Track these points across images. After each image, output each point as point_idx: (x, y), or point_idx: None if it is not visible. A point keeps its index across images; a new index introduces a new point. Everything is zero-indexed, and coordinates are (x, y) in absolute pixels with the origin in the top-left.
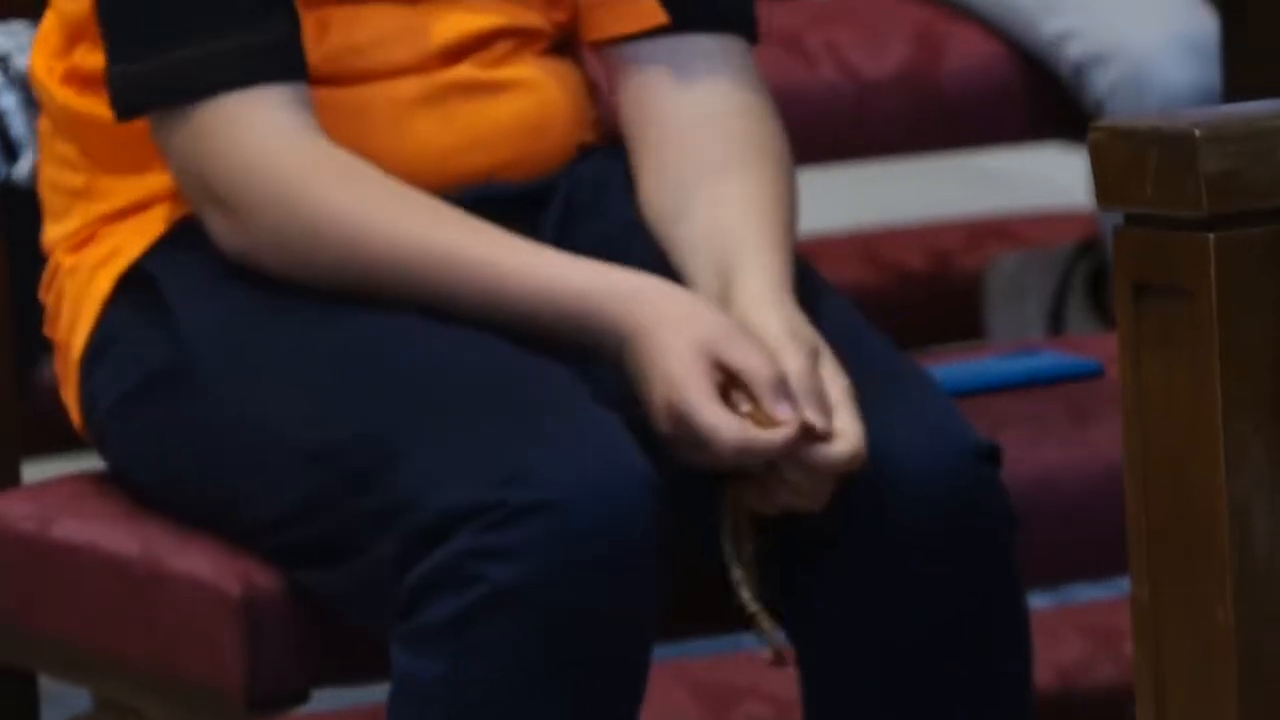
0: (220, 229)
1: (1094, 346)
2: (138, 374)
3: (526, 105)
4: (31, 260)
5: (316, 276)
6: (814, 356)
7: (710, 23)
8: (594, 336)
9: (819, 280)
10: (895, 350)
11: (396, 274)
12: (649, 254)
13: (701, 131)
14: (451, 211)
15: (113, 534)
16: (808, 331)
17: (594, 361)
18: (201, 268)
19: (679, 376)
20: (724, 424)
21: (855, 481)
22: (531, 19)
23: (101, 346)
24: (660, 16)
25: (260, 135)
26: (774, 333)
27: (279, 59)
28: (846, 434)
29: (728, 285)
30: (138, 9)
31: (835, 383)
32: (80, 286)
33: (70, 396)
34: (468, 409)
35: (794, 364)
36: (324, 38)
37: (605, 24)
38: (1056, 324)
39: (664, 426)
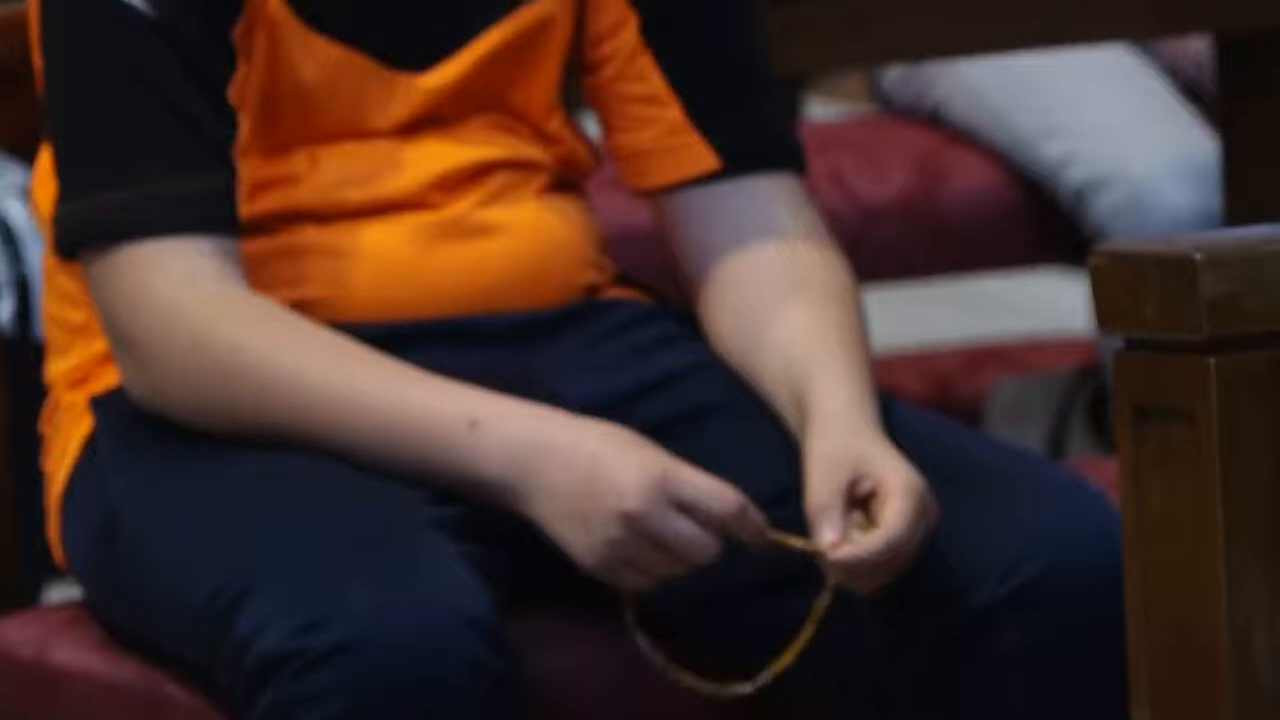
0: (130, 374)
1: (1095, 471)
2: (88, 519)
3: (522, 247)
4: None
5: (224, 419)
6: (849, 477)
7: (761, 163)
8: (498, 466)
9: (902, 404)
10: (1018, 452)
11: (299, 413)
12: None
13: (766, 269)
14: (357, 349)
15: (110, 660)
16: (866, 454)
17: (490, 500)
18: (141, 417)
19: (640, 472)
20: (719, 484)
21: (1008, 578)
22: (530, 153)
23: (73, 485)
24: (712, 161)
25: (174, 282)
26: (812, 457)
27: (206, 209)
28: (859, 542)
29: (802, 415)
30: (83, 150)
31: (889, 505)
32: (72, 423)
33: (52, 530)
34: (307, 550)
35: (814, 487)
36: (315, 171)
37: (654, 171)
38: (1058, 449)
39: (601, 550)
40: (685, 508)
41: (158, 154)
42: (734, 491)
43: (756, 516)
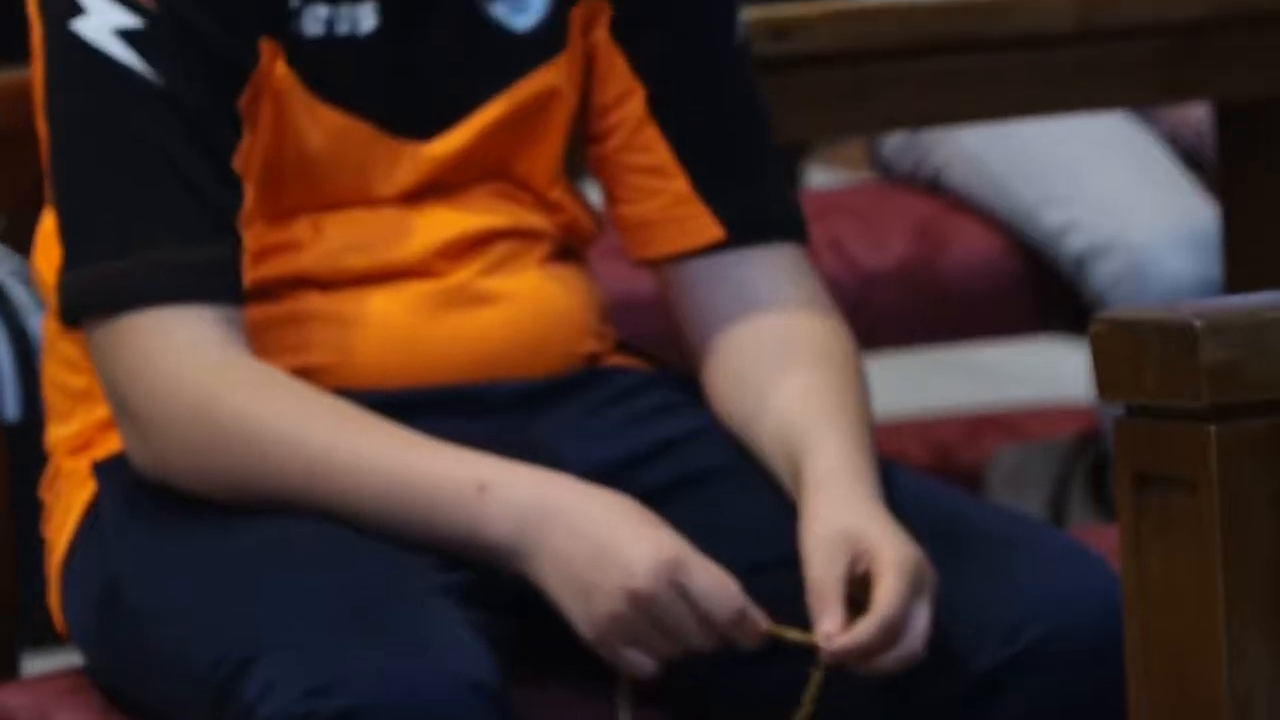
0: (132, 442)
1: (1096, 538)
2: (89, 585)
3: (524, 316)
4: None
5: (228, 487)
6: (848, 559)
7: (765, 234)
8: (505, 529)
9: (903, 470)
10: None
11: (303, 479)
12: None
13: (768, 337)
14: (361, 415)
15: None
16: (860, 530)
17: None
18: (144, 482)
19: (652, 552)
20: (725, 581)
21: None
22: (533, 221)
23: (74, 551)
24: (716, 232)
25: (177, 350)
26: (810, 540)
27: (210, 278)
28: (852, 631)
29: (797, 478)
30: (86, 217)
31: (882, 584)
32: (73, 490)
33: (53, 598)
34: (313, 615)
35: (813, 576)
36: (319, 239)
37: (659, 242)
38: (1058, 516)
39: (603, 623)
40: (690, 598)
41: (162, 222)
42: (737, 590)
43: (756, 618)
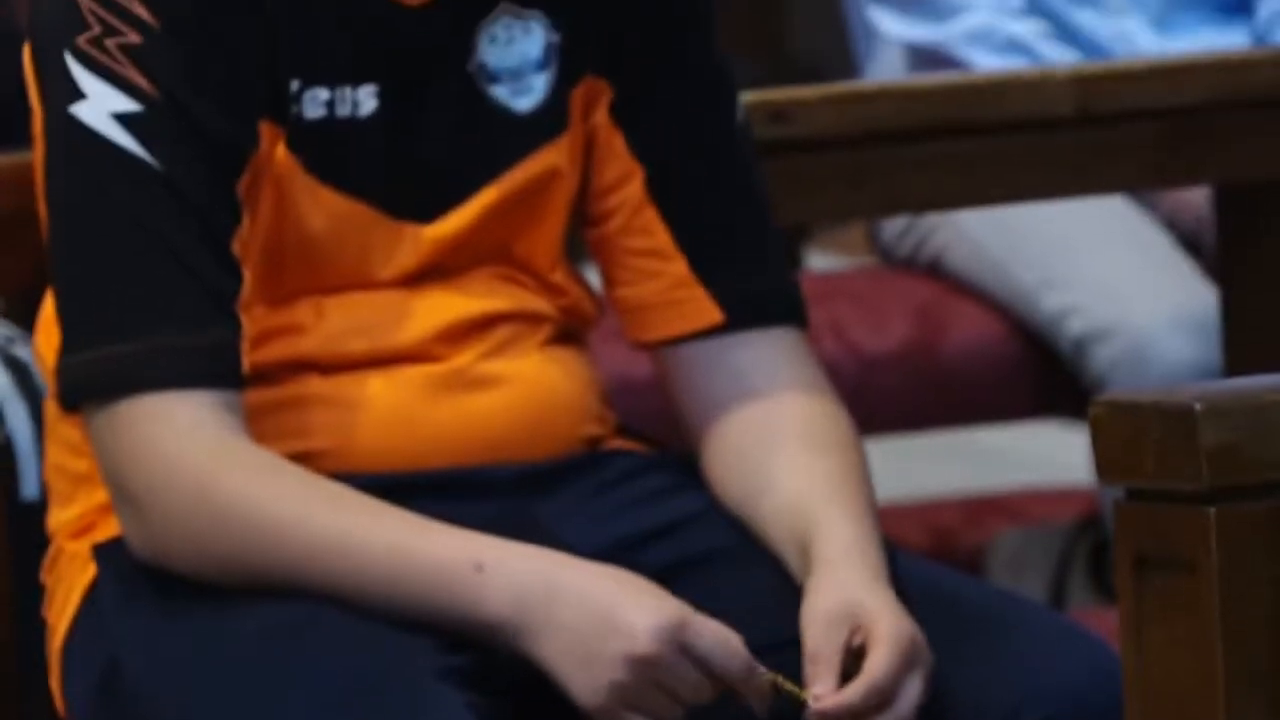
0: (130, 528)
1: (1096, 621)
2: (90, 668)
3: (525, 400)
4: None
5: (226, 571)
6: (847, 631)
7: (764, 317)
8: (504, 607)
9: (904, 553)
10: (1014, 598)
11: (302, 561)
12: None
13: (768, 421)
14: (360, 497)
15: None
16: (861, 605)
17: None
18: (145, 565)
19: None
20: (730, 638)
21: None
22: (535, 304)
23: (75, 634)
24: (715, 316)
25: (176, 436)
26: (811, 612)
27: (209, 364)
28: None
29: (804, 556)
30: (86, 302)
31: (874, 652)
32: (74, 574)
33: (54, 680)
34: (313, 700)
35: (811, 643)
36: (320, 323)
37: (657, 325)
38: (1059, 600)
39: (605, 691)
40: (695, 658)
41: (161, 307)
42: (741, 645)
43: (762, 674)
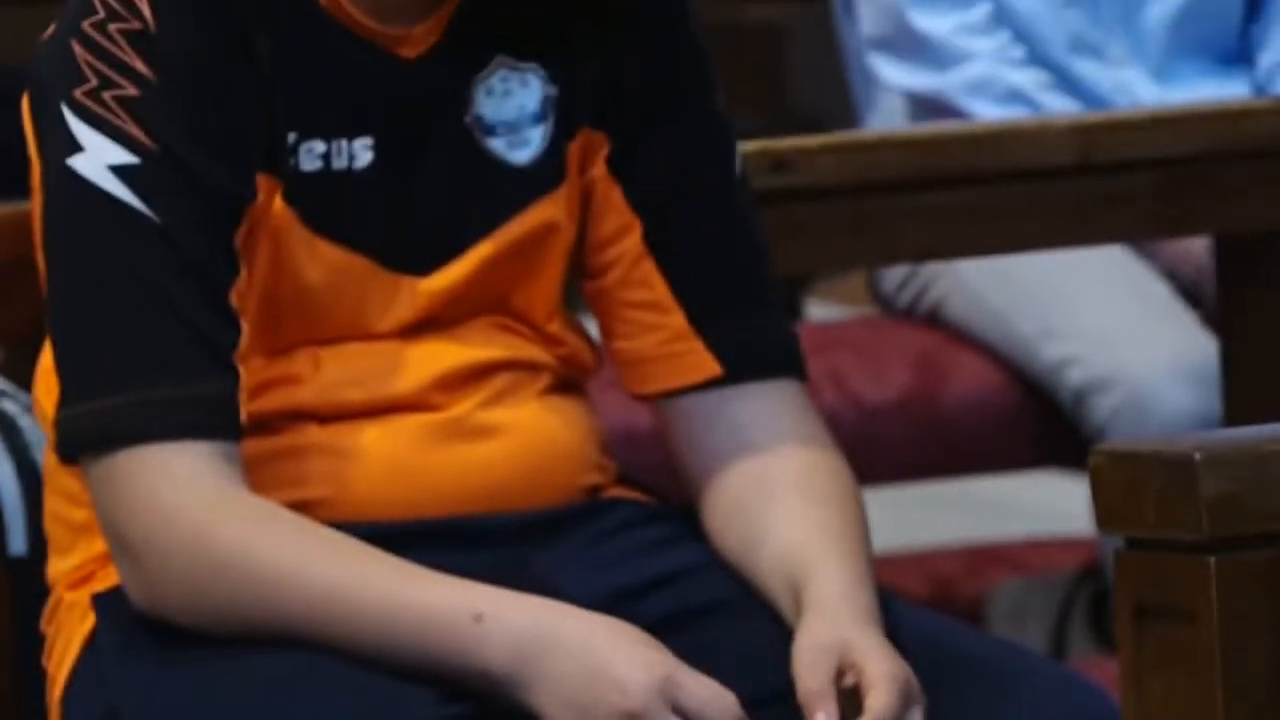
0: (129, 579)
1: (1097, 671)
2: (89, 718)
3: (524, 448)
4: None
5: (225, 621)
6: (834, 665)
7: (763, 370)
8: (502, 657)
9: (902, 602)
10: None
11: (301, 610)
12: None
13: (767, 472)
14: (358, 546)
15: None
16: (850, 643)
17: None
18: (144, 615)
19: (644, 670)
20: (721, 692)
21: None
22: (533, 353)
23: (73, 685)
24: (714, 368)
25: (174, 488)
26: (799, 647)
27: (207, 415)
28: None
29: (798, 601)
30: (84, 354)
31: (873, 692)
32: (74, 623)
33: None
34: None
35: (803, 676)
36: (317, 373)
37: (656, 378)
38: (1059, 650)
39: None
40: (687, 714)
41: (159, 359)
42: (733, 700)
43: None
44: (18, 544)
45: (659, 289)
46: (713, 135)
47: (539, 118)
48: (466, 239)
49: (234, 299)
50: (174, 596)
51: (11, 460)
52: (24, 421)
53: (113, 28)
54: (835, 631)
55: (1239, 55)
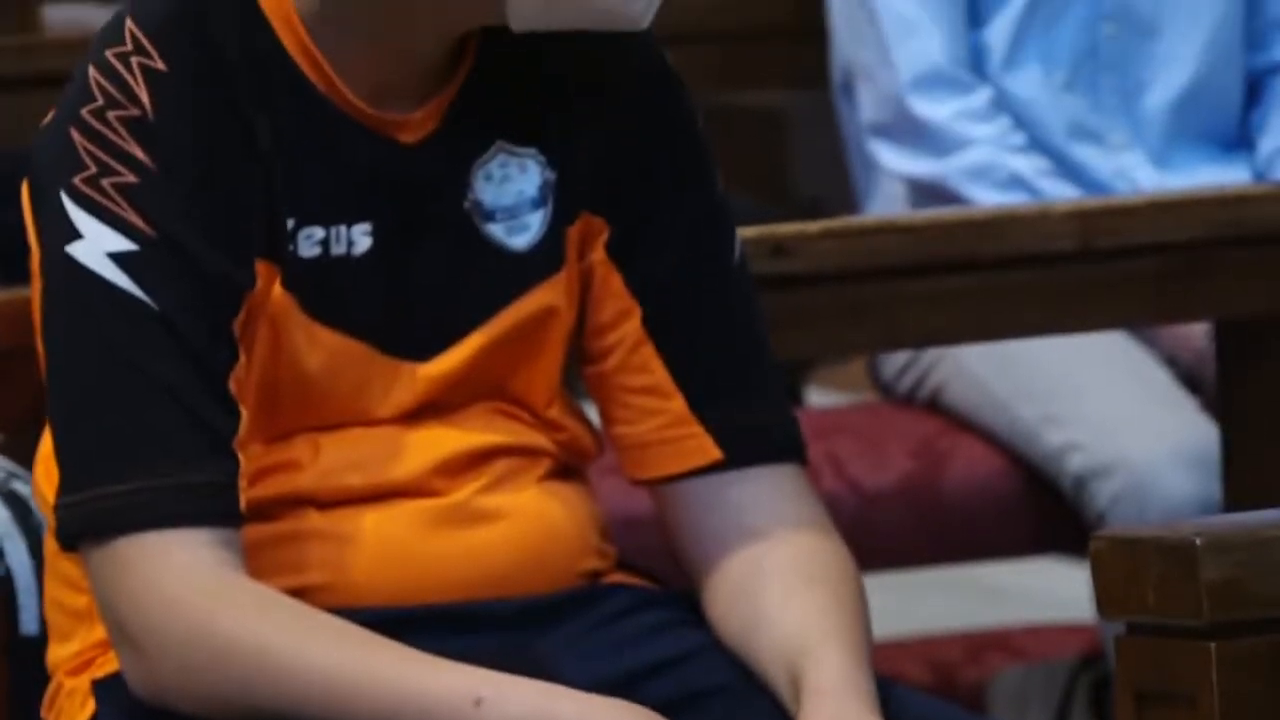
0: (130, 666)
1: None
2: None
3: (524, 534)
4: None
5: (224, 707)
6: None
7: (764, 455)
8: None
9: (903, 689)
10: None
11: (302, 697)
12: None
13: (767, 557)
14: (359, 632)
15: None
16: None
17: None
18: (143, 704)
19: None
20: None
21: None
22: (532, 439)
23: None
24: (714, 453)
25: (174, 575)
26: None
27: (207, 502)
28: None
29: (798, 687)
30: (83, 441)
31: None
32: (74, 709)
33: None
34: None
35: None
36: (317, 459)
37: (656, 463)
38: None
39: None
40: None
41: (158, 446)
42: None
43: None
44: (30, 623)
45: (659, 374)
46: (712, 220)
47: (538, 203)
48: (465, 324)
49: (233, 385)
50: (174, 684)
51: (25, 540)
52: (36, 503)
53: (112, 115)
54: (835, 718)
55: (1239, 141)
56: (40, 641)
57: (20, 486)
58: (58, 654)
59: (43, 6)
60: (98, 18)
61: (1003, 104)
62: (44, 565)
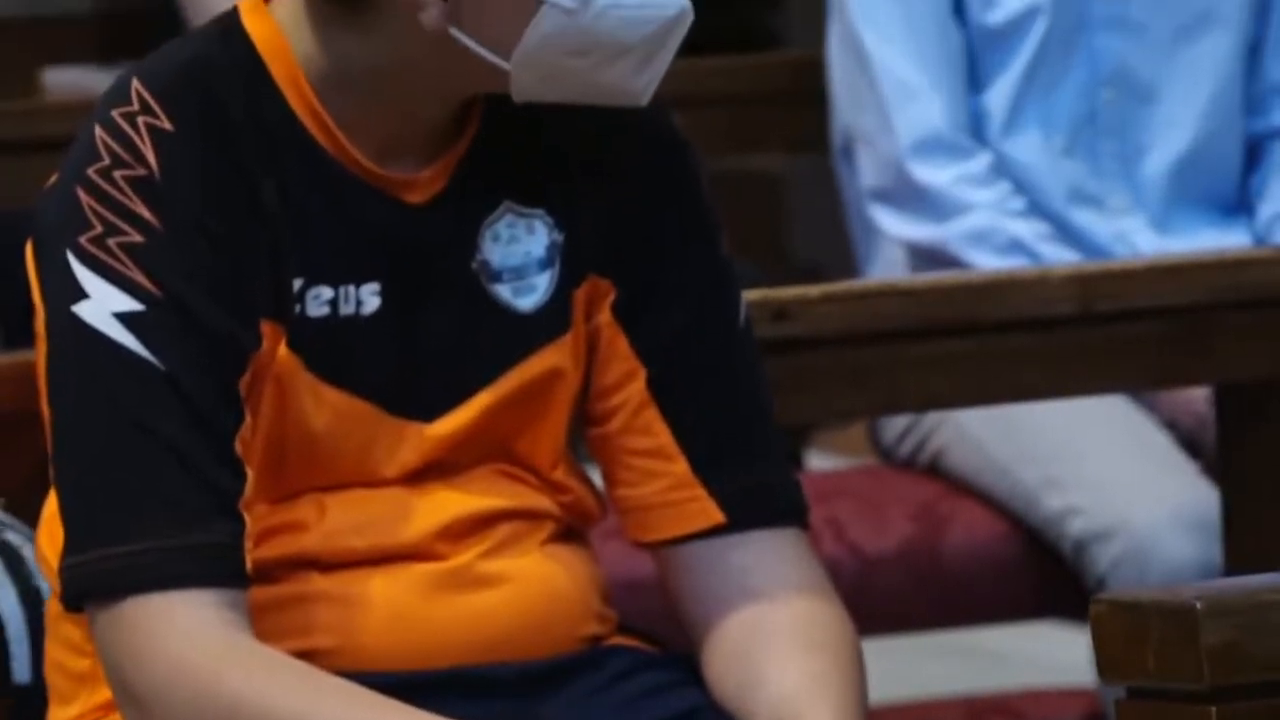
0: None
1: None
2: None
3: (526, 599)
4: None
5: None
6: None
7: (766, 519)
8: None
9: None
10: None
11: None
12: None
13: (767, 620)
14: (364, 694)
15: None
16: None
17: None
18: None
19: None
20: None
21: None
22: (536, 502)
23: None
24: (716, 516)
25: (179, 636)
26: None
27: (212, 563)
28: None
29: None
30: (88, 502)
31: None
32: None
33: None
34: None
35: None
36: (322, 520)
37: (659, 525)
38: None
39: None
40: None
41: (163, 507)
42: None
43: None
44: (21, 672)
45: (662, 436)
46: (718, 283)
47: (545, 264)
48: (472, 385)
49: (239, 446)
50: None
51: (15, 588)
52: (27, 551)
53: (118, 174)
54: None
55: (1239, 205)
56: (34, 689)
57: (11, 535)
58: (58, 717)
59: (44, 71)
60: (99, 82)
61: (1002, 169)
62: (36, 613)
